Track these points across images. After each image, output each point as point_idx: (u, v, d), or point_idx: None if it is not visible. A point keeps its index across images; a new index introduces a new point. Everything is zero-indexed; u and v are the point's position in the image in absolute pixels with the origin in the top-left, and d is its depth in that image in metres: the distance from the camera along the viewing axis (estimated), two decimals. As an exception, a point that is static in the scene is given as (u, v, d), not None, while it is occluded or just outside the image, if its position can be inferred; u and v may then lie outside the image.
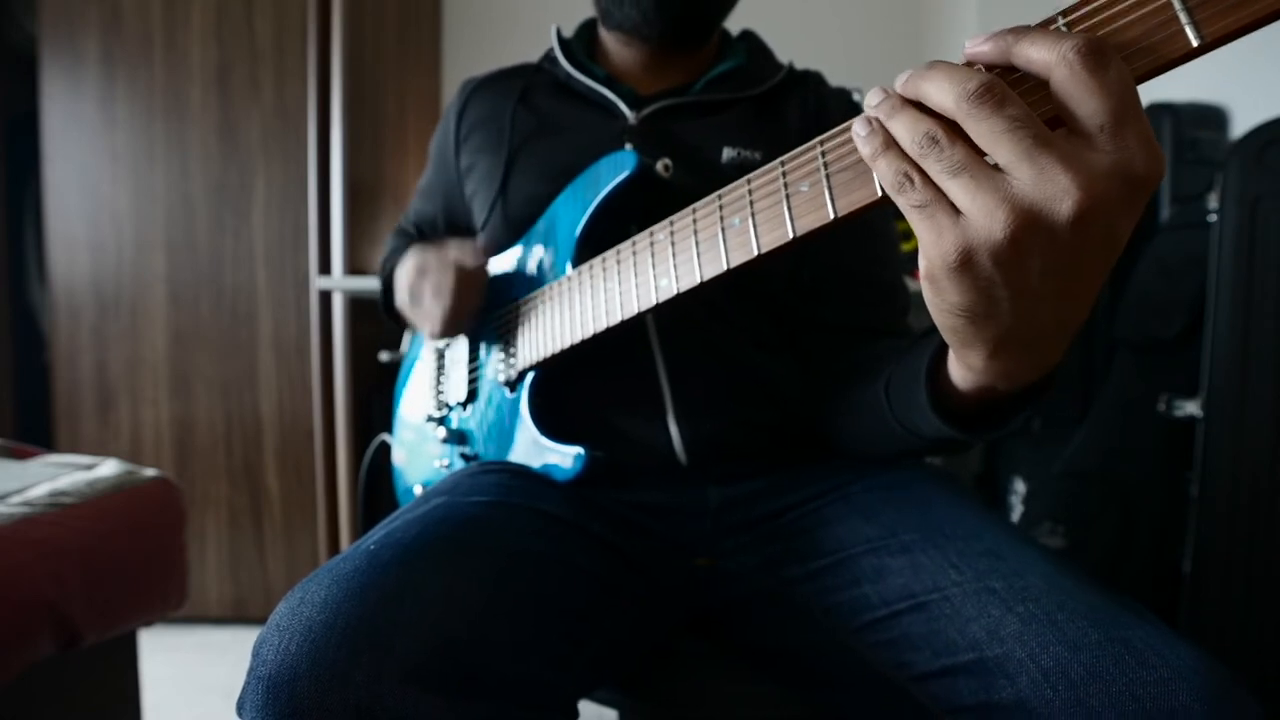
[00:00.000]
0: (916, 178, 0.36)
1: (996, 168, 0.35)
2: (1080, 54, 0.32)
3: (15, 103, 2.21)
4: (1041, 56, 0.33)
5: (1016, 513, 1.67)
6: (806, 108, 0.78)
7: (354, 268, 1.76)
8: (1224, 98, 1.51)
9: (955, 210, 0.36)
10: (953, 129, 0.35)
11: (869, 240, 0.76)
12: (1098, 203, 0.33)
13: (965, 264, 0.36)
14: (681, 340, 0.72)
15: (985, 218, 0.34)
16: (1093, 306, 0.40)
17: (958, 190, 0.35)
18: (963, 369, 0.46)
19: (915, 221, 0.37)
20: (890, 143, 0.37)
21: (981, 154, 0.35)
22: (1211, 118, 1.51)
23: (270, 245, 1.81)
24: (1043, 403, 0.48)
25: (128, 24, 1.77)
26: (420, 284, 0.77)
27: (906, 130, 0.36)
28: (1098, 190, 0.33)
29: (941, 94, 0.34)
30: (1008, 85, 0.34)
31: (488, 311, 0.82)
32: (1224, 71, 1.49)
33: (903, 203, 0.37)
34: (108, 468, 1.05)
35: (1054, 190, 0.33)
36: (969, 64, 0.36)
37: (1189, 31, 0.32)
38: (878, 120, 0.38)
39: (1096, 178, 0.33)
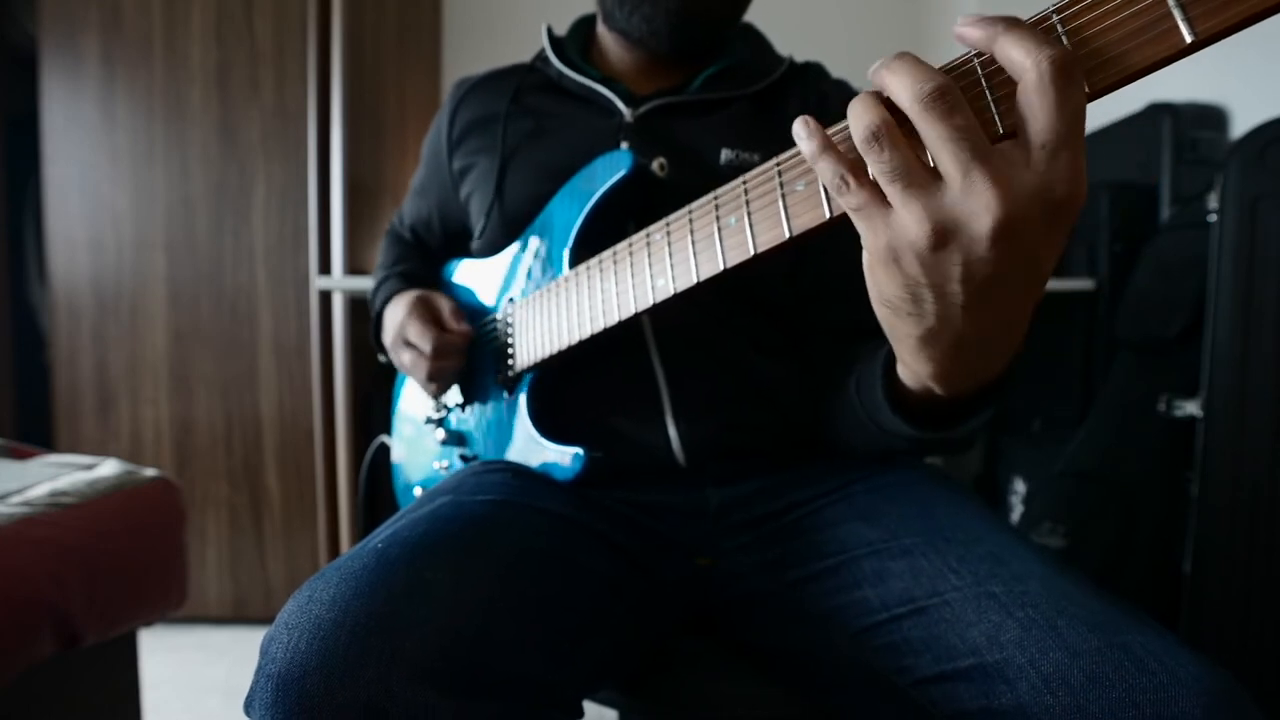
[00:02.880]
0: (852, 180, 0.39)
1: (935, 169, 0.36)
2: (1053, 65, 0.33)
3: (15, 103, 2.21)
4: (1018, 58, 0.33)
5: (1016, 513, 1.67)
6: (808, 104, 0.77)
7: (354, 268, 1.76)
8: (1224, 98, 1.51)
9: (888, 211, 0.38)
10: (896, 130, 0.36)
11: None
12: (1016, 222, 0.34)
13: (894, 261, 0.39)
14: (679, 342, 0.71)
15: (913, 224, 0.37)
16: (1024, 334, 0.43)
17: (892, 193, 0.37)
18: (903, 366, 0.49)
19: (854, 219, 0.40)
20: (828, 145, 0.39)
21: (920, 157, 0.37)
22: (1211, 118, 1.51)
23: (270, 245, 1.81)
24: (990, 416, 0.51)
25: (128, 24, 1.77)
26: (399, 352, 0.81)
27: (856, 119, 0.37)
28: (1018, 210, 0.34)
29: (900, 89, 0.36)
30: (983, 76, 0.36)
31: (485, 313, 0.82)
32: (1224, 71, 1.49)
33: (842, 203, 0.40)
34: (108, 468, 1.05)
35: (977, 205, 0.35)
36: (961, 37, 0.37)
37: (1183, 28, 0.32)
38: (814, 122, 0.40)
39: (1019, 198, 0.34)
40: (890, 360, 0.53)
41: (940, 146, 0.35)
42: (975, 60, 0.37)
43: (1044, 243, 0.36)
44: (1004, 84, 0.36)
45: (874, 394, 0.55)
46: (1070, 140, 0.34)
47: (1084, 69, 0.34)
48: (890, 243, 0.38)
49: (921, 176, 0.36)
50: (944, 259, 0.37)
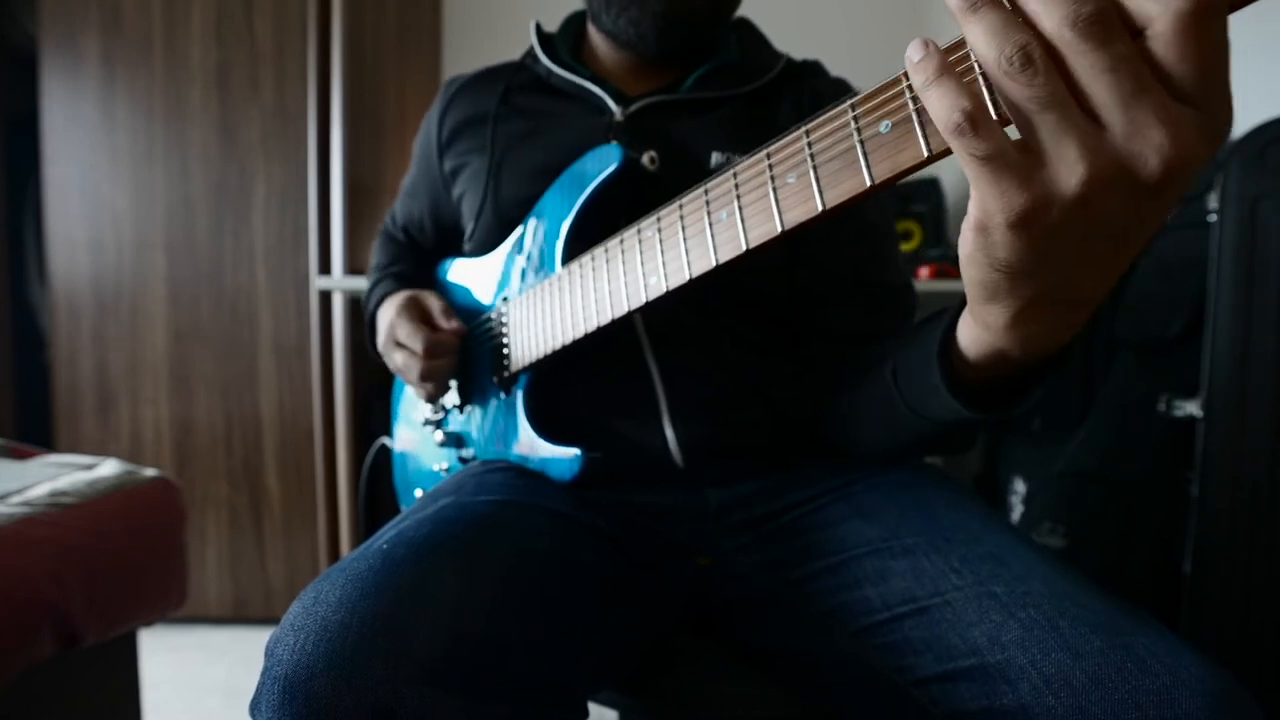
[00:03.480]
0: (980, 118, 0.31)
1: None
2: (1188, 10, 0.28)
3: (15, 103, 2.21)
4: (1145, 5, 0.29)
5: (1016, 513, 1.67)
6: (801, 106, 0.76)
7: (354, 268, 1.76)
8: (1224, 98, 1.51)
9: (1024, 158, 0.32)
10: (1048, 59, 0.30)
11: (868, 240, 0.74)
12: (1184, 165, 0.30)
13: (1028, 220, 0.32)
14: (674, 343, 0.71)
15: (1065, 169, 0.31)
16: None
17: (1043, 129, 0.31)
18: (979, 329, 0.44)
19: (976, 169, 0.32)
20: (947, 68, 0.32)
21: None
22: (1211, 118, 1.50)
23: (270, 245, 1.81)
24: (1050, 389, 0.48)
25: (128, 24, 1.77)
26: (392, 354, 0.80)
27: (992, 37, 0.31)
28: (1188, 152, 0.30)
29: (1047, 10, 0.30)
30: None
31: (479, 313, 0.82)
32: (1224, 71, 1.49)
33: (962, 149, 0.32)
34: (108, 468, 1.05)
35: (1143, 147, 0.30)
36: None
37: None
38: (934, 43, 0.33)
39: (1188, 139, 0.30)
40: (945, 341, 0.50)
41: (1098, 79, 0.30)
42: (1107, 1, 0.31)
43: (1188, 184, 0.31)
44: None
45: (926, 378, 0.52)
46: (1222, 69, 0.30)
47: None
48: (1028, 198, 0.32)
49: (1080, 112, 0.31)
50: (1094, 211, 0.31)
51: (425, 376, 0.77)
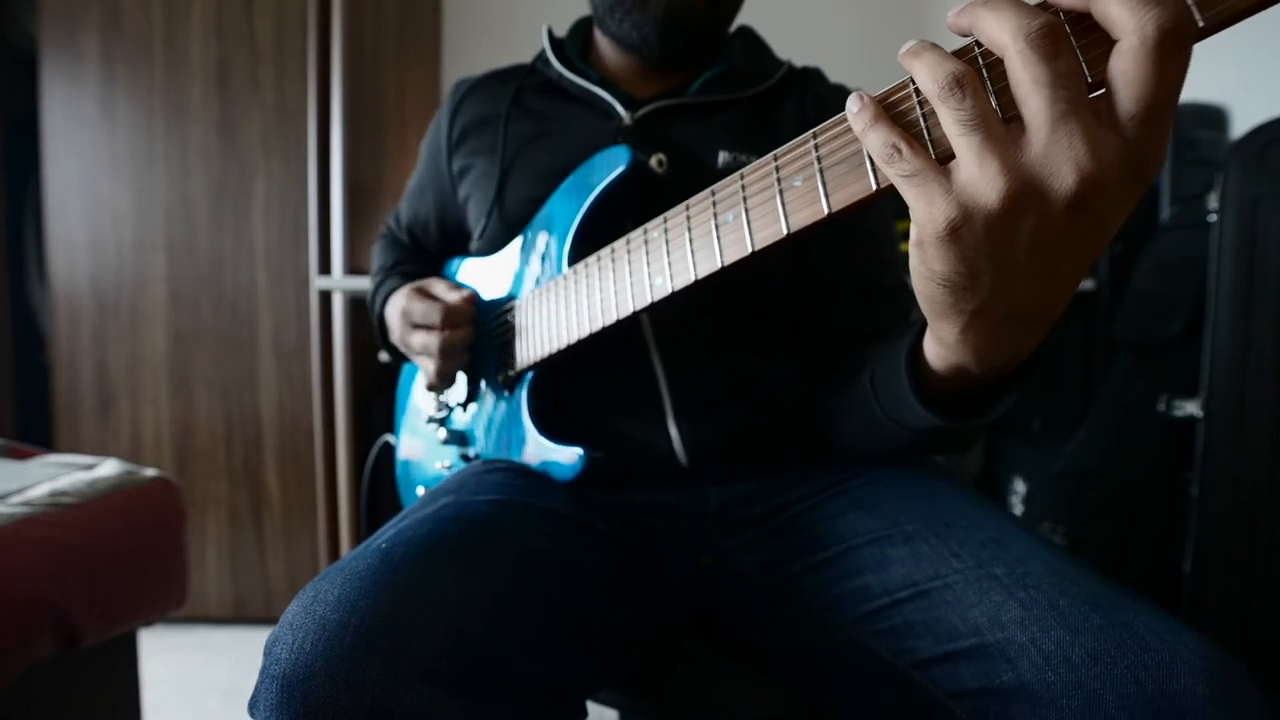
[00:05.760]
0: (905, 147, 0.36)
1: (1012, 120, 0.34)
2: (1161, 30, 0.30)
3: (15, 102, 2.21)
4: (1122, 17, 0.31)
5: (1016, 513, 1.67)
6: (804, 109, 0.77)
7: (354, 268, 1.76)
8: (1224, 98, 1.51)
9: (947, 177, 0.35)
10: (977, 79, 0.34)
11: (867, 243, 0.75)
12: (1100, 186, 0.32)
13: (955, 232, 0.35)
14: (679, 343, 0.71)
15: (984, 184, 0.34)
16: (1068, 303, 0.41)
17: (965, 148, 0.34)
18: (935, 344, 0.47)
19: (906, 190, 0.37)
20: (881, 115, 0.37)
21: (998, 113, 0.34)
22: (1211, 118, 1.51)
23: (270, 245, 1.81)
24: (1019, 396, 0.49)
25: (128, 23, 1.77)
26: (409, 338, 0.80)
27: (930, 69, 0.35)
28: (1104, 172, 0.32)
29: (1001, 25, 0.32)
30: (1072, 34, 0.33)
31: (486, 312, 0.82)
32: (1224, 71, 1.49)
33: (892, 173, 0.37)
34: (108, 468, 1.05)
35: (1063, 162, 0.32)
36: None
37: (1194, 12, 0.31)
38: (868, 95, 0.38)
39: (1107, 162, 0.32)
40: (913, 351, 0.52)
41: (1035, 91, 0.32)
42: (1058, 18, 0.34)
43: (1115, 210, 0.34)
44: (1092, 45, 0.33)
45: (896, 387, 0.54)
46: (1164, 112, 0.32)
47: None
48: (953, 212, 0.35)
49: (1000, 130, 0.33)
50: (1015, 224, 0.34)
51: (447, 349, 0.76)
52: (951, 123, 0.34)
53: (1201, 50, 0.32)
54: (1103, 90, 0.33)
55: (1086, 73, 0.33)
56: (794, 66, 0.82)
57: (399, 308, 0.80)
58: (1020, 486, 1.70)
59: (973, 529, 0.57)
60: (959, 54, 0.36)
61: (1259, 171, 1.17)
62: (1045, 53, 0.32)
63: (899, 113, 0.38)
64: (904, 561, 0.57)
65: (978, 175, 0.34)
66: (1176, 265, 1.36)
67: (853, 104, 0.38)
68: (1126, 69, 0.31)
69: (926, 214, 0.36)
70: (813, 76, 0.82)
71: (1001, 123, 0.34)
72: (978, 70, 0.35)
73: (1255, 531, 1.16)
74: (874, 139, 0.37)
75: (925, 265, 0.39)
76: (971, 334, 0.42)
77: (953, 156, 0.36)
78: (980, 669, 0.48)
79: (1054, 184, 0.33)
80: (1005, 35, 0.32)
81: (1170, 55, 0.30)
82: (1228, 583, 1.18)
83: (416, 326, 0.78)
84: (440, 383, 0.79)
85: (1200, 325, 1.25)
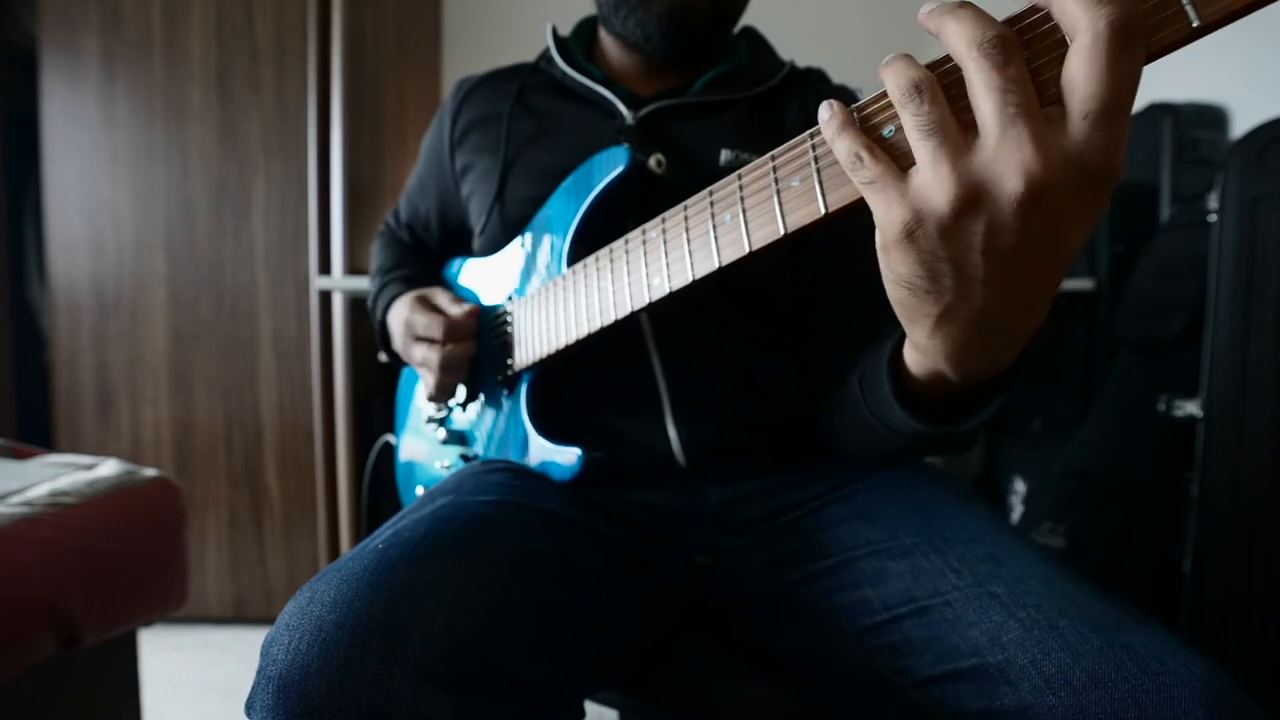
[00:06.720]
0: (866, 154, 0.38)
1: (970, 128, 0.35)
2: (1112, 27, 0.31)
3: (15, 102, 2.21)
4: (1075, 13, 0.32)
5: (1016, 513, 1.67)
6: (806, 109, 0.78)
7: (354, 268, 1.76)
8: (1224, 98, 1.51)
9: (905, 182, 0.37)
10: (938, 87, 0.36)
11: (865, 241, 0.75)
12: (1048, 187, 0.33)
13: (911, 235, 0.37)
14: (678, 343, 0.72)
15: (936, 187, 0.35)
16: (1045, 314, 0.42)
17: (922, 152, 0.36)
18: (911, 348, 0.48)
19: (869, 195, 0.39)
20: (847, 124, 0.39)
21: (958, 122, 0.35)
22: (1211, 118, 1.51)
23: (270, 245, 1.81)
24: (1019, 397, 0.50)
25: (128, 24, 1.77)
26: (411, 349, 0.80)
27: (895, 76, 0.36)
28: (1051, 176, 0.33)
29: (959, 33, 0.34)
30: (1034, 38, 0.34)
31: (486, 313, 0.82)
32: (1224, 71, 1.49)
33: (857, 180, 0.39)
34: (108, 468, 1.05)
35: (1011, 165, 0.33)
36: None
37: (1189, 11, 0.32)
38: (838, 104, 0.40)
39: (1054, 162, 0.33)
40: (896, 354, 0.52)
41: (987, 96, 0.34)
42: (1032, 18, 0.35)
43: (1071, 217, 0.35)
44: (1048, 49, 0.34)
45: (880, 389, 0.54)
46: (1115, 112, 0.32)
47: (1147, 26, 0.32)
48: (907, 215, 0.37)
49: (956, 135, 0.35)
50: (966, 226, 0.36)
51: (448, 363, 0.77)
52: (911, 128, 0.36)
53: (1201, 50, 0.32)
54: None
55: (1038, 92, 0.34)
56: (797, 67, 0.82)
57: (401, 318, 0.81)
58: (1020, 486, 1.70)
59: (971, 543, 0.57)
60: (933, 65, 0.37)
61: (1259, 171, 1.17)
62: (996, 60, 0.33)
63: (876, 123, 0.40)
64: (903, 576, 0.57)
65: (931, 178, 0.36)
66: (1176, 265, 1.36)
67: (823, 112, 0.40)
68: (1080, 67, 0.32)
69: (885, 218, 0.38)
70: (816, 77, 0.82)
71: (959, 129, 0.35)
72: (946, 80, 0.36)
73: (1255, 531, 1.16)
74: (840, 147, 0.39)
75: (889, 268, 0.41)
76: (940, 338, 0.43)
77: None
78: (981, 690, 0.48)
79: (1002, 185, 0.34)
80: (962, 45, 0.34)
81: (1123, 51, 0.31)
82: (1228, 583, 1.18)
83: (419, 339, 0.78)
84: (441, 396, 0.80)
85: (1200, 325, 1.25)
